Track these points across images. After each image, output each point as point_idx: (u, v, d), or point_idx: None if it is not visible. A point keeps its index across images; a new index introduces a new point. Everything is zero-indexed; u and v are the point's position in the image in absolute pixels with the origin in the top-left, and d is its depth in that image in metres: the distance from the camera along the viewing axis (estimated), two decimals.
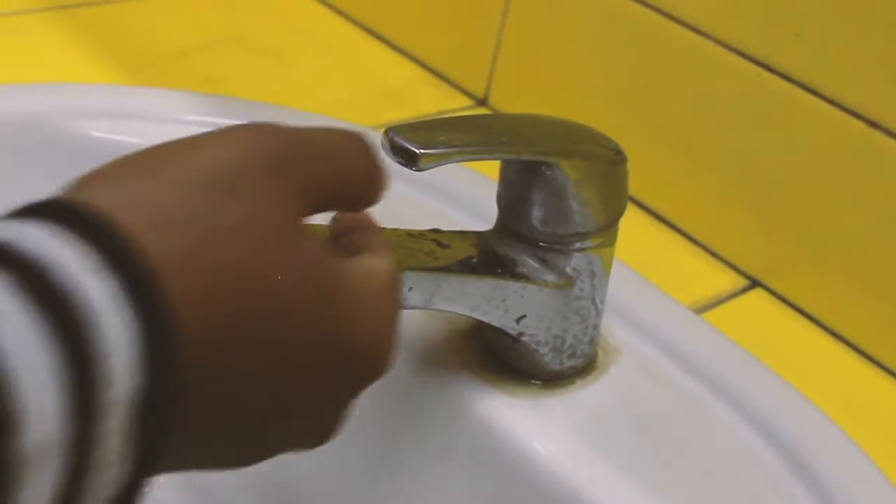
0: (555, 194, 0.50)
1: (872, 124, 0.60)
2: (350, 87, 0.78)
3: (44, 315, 0.25)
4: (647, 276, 0.64)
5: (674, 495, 0.51)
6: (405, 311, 0.52)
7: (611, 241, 0.53)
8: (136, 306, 0.27)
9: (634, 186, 0.71)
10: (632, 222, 0.69)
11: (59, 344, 0.25)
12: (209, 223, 0.30)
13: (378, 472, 0.58)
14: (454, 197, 0.65)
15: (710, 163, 0.67)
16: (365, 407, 0.57)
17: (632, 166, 0.71)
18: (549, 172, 0.49)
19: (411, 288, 0.46)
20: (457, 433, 0.55)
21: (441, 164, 0.45)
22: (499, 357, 0.56)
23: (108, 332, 0.26)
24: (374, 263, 0.39)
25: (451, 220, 0.60)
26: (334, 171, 0.38)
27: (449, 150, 0.45)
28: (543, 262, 0.52)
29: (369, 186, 0.40)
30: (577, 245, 0.52)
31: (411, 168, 0.44)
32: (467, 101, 0.79)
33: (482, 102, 0.78)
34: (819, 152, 0.62)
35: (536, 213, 0.51)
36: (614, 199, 0.53)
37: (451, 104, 0.78)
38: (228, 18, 0.84)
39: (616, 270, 0.62)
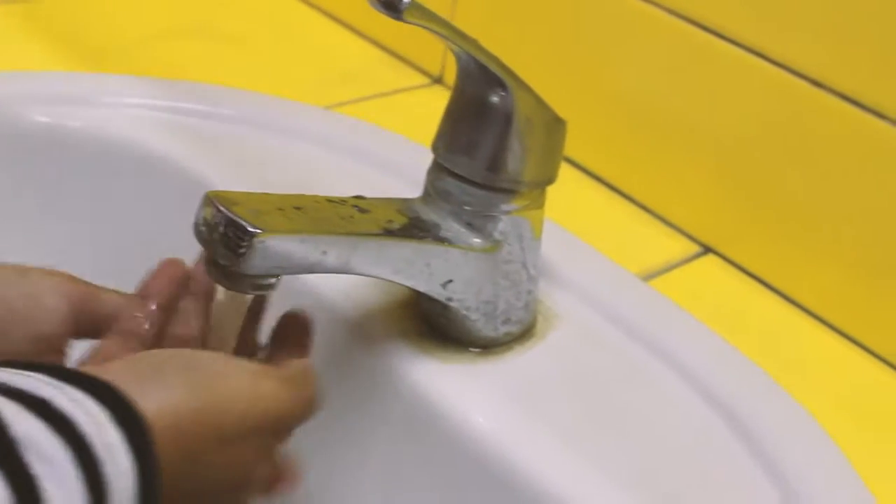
0: (500, 125, 0.49)
1: (816, 84, 0.59)
2: (308, 70, 0.78)
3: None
4: (597, 243, 0.64)
5: (608, 460, 0.51)
6: (343, 281, 0.52)
7: (539, 205, 0.53)
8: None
9: (586, 155, 0.71)
10: (583, 191, 0.69)
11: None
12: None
13: (316, 439, 0.58)
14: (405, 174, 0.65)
15: (661, 129, 0.67)
16: None
17: (583, 135, 0.71)
18: (498, 99, 0.49)
19: (325, 251, 0.46)
20: (392, 401, 0.55)
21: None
22: (434, 325, 0.55)
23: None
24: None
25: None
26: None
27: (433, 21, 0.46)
28: (469, 225, 0.52)
29: None
30: (504, 207, 0.52)
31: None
32: (423, 80, 0.79)
33: (438, 80, 0.78)
34: (766, 114, 0.62)
35: (475, 150, 0.50)
36: (550, 160, 0.53)
37: (407, 83, 0.78)
38: (188, 6, 0.84)
39: (561, 237, 0.62)
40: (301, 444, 0.58)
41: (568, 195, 0.69)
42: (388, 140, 0.70)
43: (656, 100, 0.66)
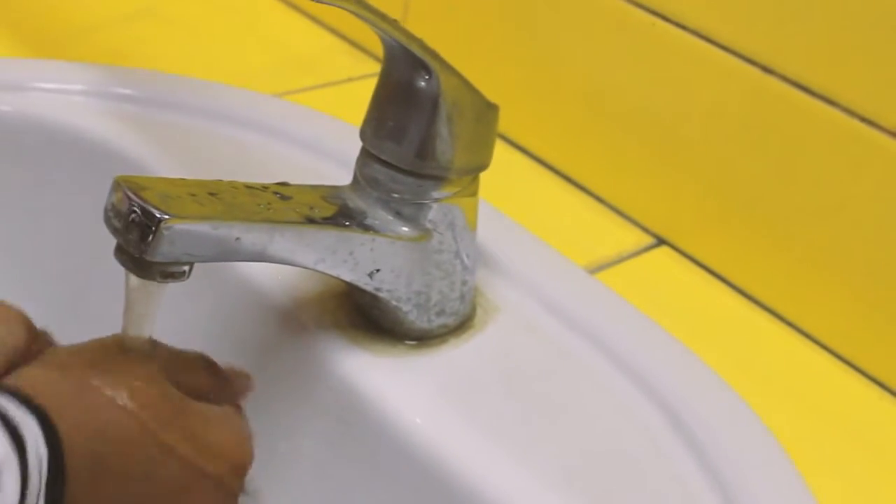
0: (426, 110, 0.48)
1: (767, 70, 0.57)
2: (261, 56, 0.77)
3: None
4: (548, 234, 0.62)
5: (541, 458, 0.49)
6: (276, 269, 0.51)
7: (471, 192, 0.52)
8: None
9: (538, 144, 0.70)
10: (535, 180, 0.68)
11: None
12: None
13: None
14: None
15: (613, 118, 0.65)
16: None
17: (535, 124, 0.70)
18: (423, 83, 0.48)
19: (238, 238, 0.45)
20: (323, 393, 0.53)
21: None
22: (367, 316, 0.54)
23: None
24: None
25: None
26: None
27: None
28: (398, 214, 0.50)
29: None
30: (434, 195, 0.50)
31: None
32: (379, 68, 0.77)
33: None
34: (718, 102, 0.60)
35: (402, 136, 0.49)
36: (481, 146, 0.51)
37: (363, 70, 0.76)
38: None
39: (507, 227, 0.61)
40: None
41: (519, 184, 0.68)
42: (340, 130, 0.68)
43: (609, 88, 0.65)
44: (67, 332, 0.65)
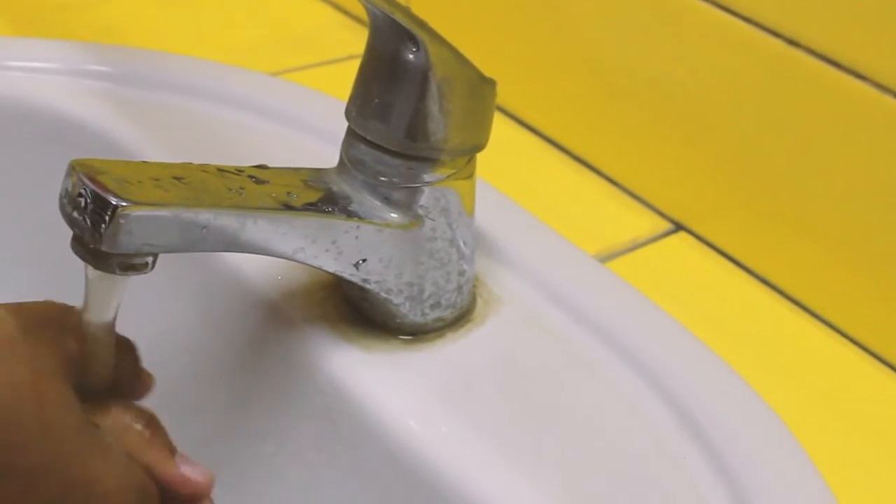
0: (414, 85, 0.44)
1: (792, 42, 0.53)
2: (258, 33, 0.73)
3: None
4: (558, 219, 0.58)
5: (540, 463, 0.45)
6: (260, 258, 0.47)
7: (467, 175, 0.48)
8: None
9: (546, 122, 0.66)
10: (546, 162, 0.64)
11: None
12: None
13: (231, 430, 0.53)
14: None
15: (626, 95, 0.61)
16: (218, 361, 0.53)
17: (546, 102, 0.66)
18: (411, 56, 0.44)
19: (205, 227, 0.41)
20: (310, 391, 0.50)
21: None
22: (358, 309, 0.50)
23: None
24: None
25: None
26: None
27: None
28: (386, 199, 0.46)
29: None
30: (426, 178, 0.46)
31: None
32: None
33: None
34: (739, 77, 0.56)
35: (389, 114, 0.45)
36: (477, 124, 0.47)
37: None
38: None
39: (512, 212, 0.57)
40: (212, 435, 0.54)
41: (525, 165, 0.64)
42: (337, 110, 0.64)
43: (622, 62, 0.61)
44: None
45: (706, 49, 0.57)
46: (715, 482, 0.45)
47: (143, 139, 0.58)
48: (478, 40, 0.62)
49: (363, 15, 0.74)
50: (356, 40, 0.72)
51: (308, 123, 0.62)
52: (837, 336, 0.54)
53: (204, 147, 0.59)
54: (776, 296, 0.56)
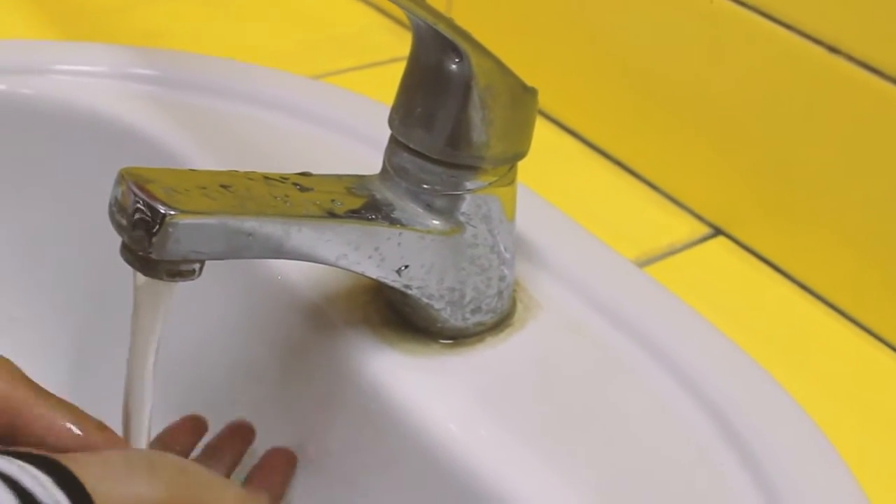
0: (457, 94, 0.44)
1: (833, 49, 0.53)
2: (300, 36, 0.74)
3: None
4: (596, 223, 0.59)
5: (581, 469, 0.46)
6: (300, 265, 0.47)
7: (508, 182, 0.48)
8: None
9: (587, 127, 0.66)
10: (583, 165, 0.64)
11: None
12: None
13: (274, 433, 0.54)
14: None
15: (667, 100, 0.61)
16: (262, 364, 0.53)
17: (585, 106, 0.66)
18: (454, 66, 0.44)
19: (251, 235, 0.42)
20: (351, 394, 0.50)
21: None
22: (400, 313, 0.51)
23: None
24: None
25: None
26: None
27: None
28: (429, 206, 0.47)
29: None
30: (467, 185, 0.47)
31: None
32: None
33: None
34: (780, 84, 0.56)
35: (432, 123, 0.45)
36: (518, 132, 0.48)
37: (406, 51, 0.72)
38: None
39: (551, 217, 0.57)
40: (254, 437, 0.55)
41: (565, 169, 0.64)
42: (381, 114, 0.65)
43: (664, 68, 0.61)
44: (92, 323, 0.63)
45: (747, 55, 0.57)
46: (756, 496, 0.45)
47: (187, 143, 0.59)
48: (519, 47, 0.62)
49: (405, 18, 0.75)
50: (398, 43, 0.73)
51: (351, 127, 0.63)
52: (877, 343, 0.54)
53: (247, 150, 0.59)
54: (815, 301, 0.57)
